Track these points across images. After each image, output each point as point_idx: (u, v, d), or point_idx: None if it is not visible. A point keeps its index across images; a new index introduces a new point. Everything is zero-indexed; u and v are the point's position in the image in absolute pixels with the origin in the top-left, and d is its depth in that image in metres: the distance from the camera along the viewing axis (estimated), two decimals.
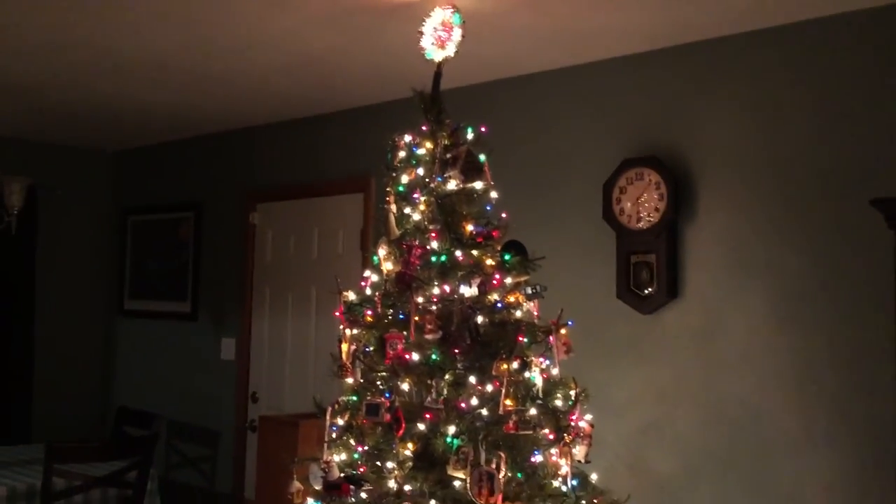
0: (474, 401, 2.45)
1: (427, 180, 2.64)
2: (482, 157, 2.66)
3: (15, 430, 5.45)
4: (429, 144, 2.67)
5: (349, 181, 4.51)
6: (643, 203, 3.30)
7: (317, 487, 2.72)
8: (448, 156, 2.63)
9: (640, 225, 3.31)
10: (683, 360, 3.24)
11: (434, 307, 2.54)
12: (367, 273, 2.77)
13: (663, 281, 3.25)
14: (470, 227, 2.65)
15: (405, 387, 2.48)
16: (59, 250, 5.79)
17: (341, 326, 2.70)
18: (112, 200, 6.05)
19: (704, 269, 3.21)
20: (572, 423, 2.52)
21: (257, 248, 5.04)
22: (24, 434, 5.50)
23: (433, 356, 2.48)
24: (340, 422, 2.61)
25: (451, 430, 2.40)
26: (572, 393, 2.63)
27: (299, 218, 4.82)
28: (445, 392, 2.42)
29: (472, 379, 2.46)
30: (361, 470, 2.56)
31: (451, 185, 2.64)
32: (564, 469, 2.50)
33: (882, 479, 2.72)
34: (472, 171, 2.65)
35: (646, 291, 3.30)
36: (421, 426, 2.42)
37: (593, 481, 2.61)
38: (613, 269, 3.39)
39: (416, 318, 2.51)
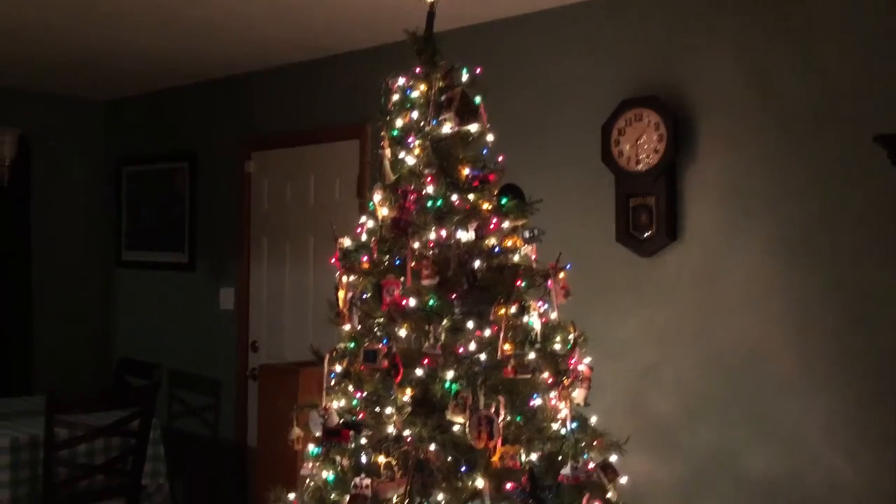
0: (472, 346, 2.43)
1: (422, 124, 2.59)
2: (477, 100, 2.60)
3: (15, 383, 5.48)
4: (423, 87, 2.61)
5: (345, 128, 4.45)
6: (642, 145, 3.26)
7: (317, 434, 2.73)
8: (442, 98, 2.57)
9: (639, 167, 3.27)
10: (683, 302, 3.22)
11: (431, 252, 2.51)
12: (362, 219, 2.74)
13: (662, 223, 3.22)
14: (466, 171, 2.60)
15: (403, 333, 2.46)
16: (53, 202, 5.75)
17: (337, 273, 2.68)
18: (106, 150, 5.99)
19: (704, 212, 3.17)
20: (571, 367, 2.51)
21: (254, 197, 5.00)
22: (25, 386, 5.53)
23: (431, 302, 2.46)
24: (339, 368, 2.60)
25: (450, 375, 2.39)
26: (571, 337, 2.62)
27: (295, 166, 4.77)
28: (443, 337, 2.41)
29: (470, 324, 2.44)
30: (360, 416, 2.57)
31: (446, 128, 2.59)
32: (563, 412, 2.50)
33: (881, 417, 2.73)
34: (467, 113, 2.59)
35: (645, 234, 3.27)
36: (419, 372, 2.42)
37: (592, 424, 2.61)
38: (612, 213, 3.36)
39: (413, 264, 2.48)
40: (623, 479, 2.52)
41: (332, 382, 2.68)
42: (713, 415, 3.15)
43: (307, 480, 2.71)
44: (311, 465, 2.74)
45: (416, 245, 2.53)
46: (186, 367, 5.35)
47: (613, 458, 2.54)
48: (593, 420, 2.61)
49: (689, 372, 3.22)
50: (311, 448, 2.74)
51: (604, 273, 3.37)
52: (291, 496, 2.72)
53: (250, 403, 4.96)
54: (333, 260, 2.67)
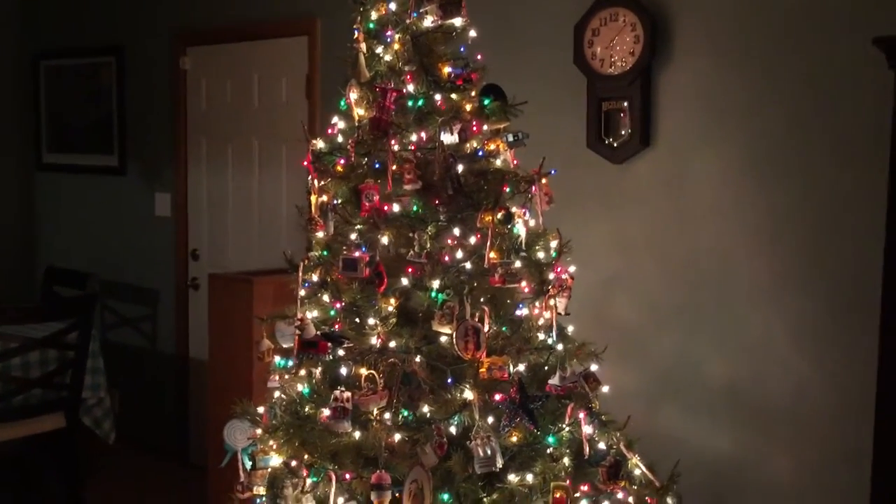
0: (459, 254, 2.33)
1: (403, 16, 2.41)
2: None
3: None
4: None
5: (292, 22, 4.17)
6: (616, 47, 3.13)
7: (284, 346, 2.61)
8: None
9: (613, 70, 3.15)
10: (654, 210, 3.18)
11: (412, 156, 2.37)
12: (334, 120, 2.57)
13: (637, 129, 3.13)
14: (447, 69, 2.45)
15: (385, 240, 2.33)
16: None
17: (309, 177, 2.51)
18: (20, 43, 5.50)
19: (679, 118, 3.10)
20: (556, 276, 2.44)
21: (190, 97, 4.70)
22: None
23: (415, 208, 2.33)
24: (315, 278, 2.47)
25: (436, 284, 2.29)
26: (553, 244, 2.54)
27: (236, 63, 4.48)
28: (428, 245, 2.29)
29: (457, 231, 2.33)
30: (336, 327, 2.45)
31: (428, 21, 2.42)
32: (547, 322, 2.44)
33: (850, 327, 2.76)
34: (450, 5, 2.42)
35: (617, 140, 3.19)
36: (404, 281, 2.30)
37: (570, 333, 2.57)
38: (584, 117, 3.25)
39: (394, 168, 2.34)
40: (605, 388, 2.50)
41: (303, 293, 2.55)
42: (680, 323, 3.15)
43: (275, 393, 2.61)
44: (277, 377, 2.63)
45: (396, 148, 2.38)
46: (119, 277, 5.10)
47: (594, 368, 2.51)
48: (570, 329, 2.57)
49: (656, 280, 3.20)
50: (278, 360, 2.63)
51: (573, 180, 3.28)
52: (260, 409, 2.61)
53: (191, 314, 4.78)
54: (305, 163, 2.50)
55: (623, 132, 3.17)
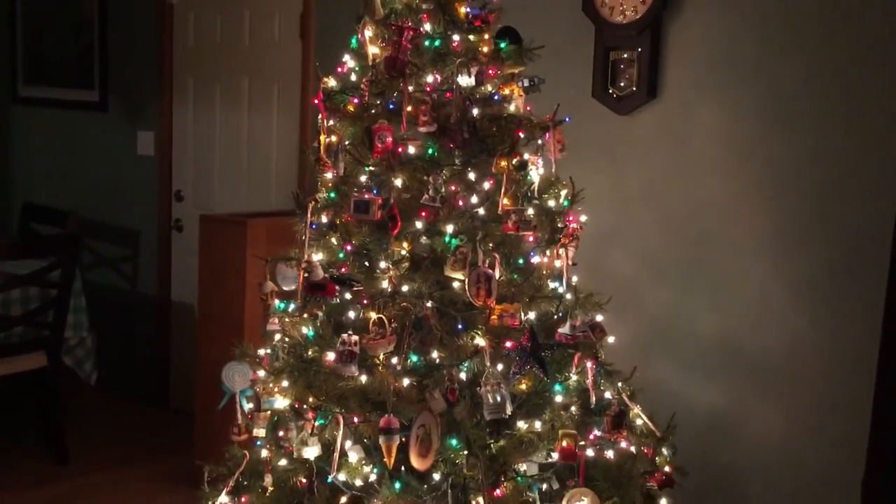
0: (474, 199, 2.29)
1: None
2: None
3: None
4: None
5: None
6: None
7: (286, 288, 2.57)
8: None
9: (623, 19, 3.10)
10: (657, 163, 3.16)
11: (428, 97, 2.31)
12: (344, 58, 2.49)
13: (644, 80, 3.09)
14: (464, 9, 2.39)
15: (399, 183, 2.29)
16: None
17: (319, 116, 2.44)
18: None
19: (687, 70, 3.06)
20: (568, 224, 2.42)
21: (176, 32, 4.56)
22: None
23: (430, 150, 2.28)
24: (325, 219, 2.41)
25: (450, 228, 2.26)
26: (562, 193, 2.52)
27: None
28: (444, 189, 2.25)
29: (472, 175, 2.29)
30: (342, 270, 2.41)
31: None
32: (559, 270, 2.42)
33: (849, 285, 2.78)
34: None
35: (623, 91, 3.15)
36: (418, 225, 2.26)
37: (574, 283, 2.55)
38: (590, 67, 3.21)
39: (410, 109, 2.29)
40: (611, 339, 2.50)
41: (307, 235, 2.50)
42: (677, 276, 3.16)
43: (276, 336, 2.57)
44: (277, 320, 2.59)
45: (411, 88, 2.32)
46: (99, 217, 4.99)
47: (599, 318, 2.51)
48: (575, 280, 2.56)
49: (655, 233, 3.19)
50: (277, 303, 2.59)
51: (576, 130, 3.22)
52: (262, 351, 2.57)
53: (174, 255, 4.70)
54: (316, 101, 2.43)
55: (629, 83, 3.13)
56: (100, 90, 4.92)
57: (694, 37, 3.04)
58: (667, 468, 2.46)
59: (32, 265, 3.80)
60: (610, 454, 2.35)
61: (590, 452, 2.31)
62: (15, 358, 3.84)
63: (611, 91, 3.18)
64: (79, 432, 4.18)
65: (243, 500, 2.50)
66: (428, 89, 2.32)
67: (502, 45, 2.43)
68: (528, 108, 2.53)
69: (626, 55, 3.13)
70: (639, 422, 2.51)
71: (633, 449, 2.42)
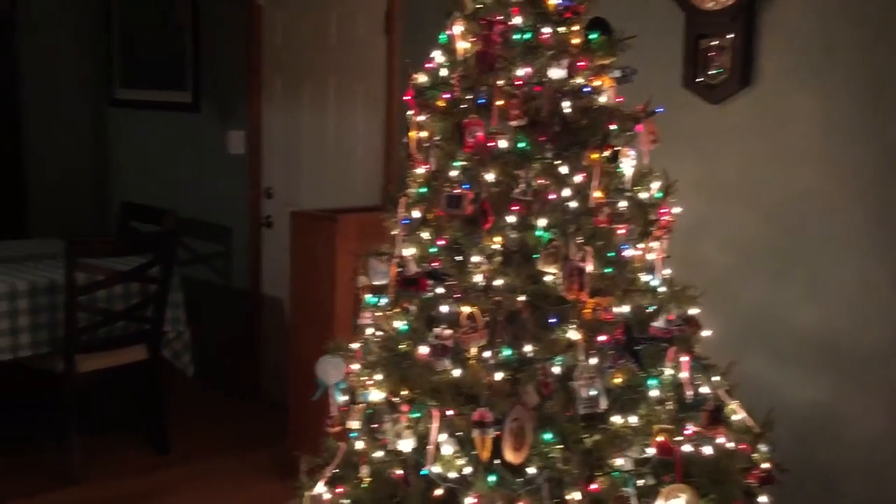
0: (566, 192, 2.28)
1: None
2: None
3: (9, 226, 5.24)
4: None
5: None
6: None
7: (377, 283, 2.61)
8: None
9: (714, 5, 3.03)
10: (750, 152, 3.08)
11: (518, 91, 2.31)
12: (433, 54, 2.51)
13: (736, 68, 3.01)
14: (554, 1, 2.37)
15: (490, 177, 2.29)
16: (39, 36, 5.32)
17: (410, 112, 2.47)
18: None
19: (783, 56, 2.97)
20: (661, 216, 2.39)
21: (265, 33, 4.66)
22: (20, 230, 5.30)
23: (521, 144, 2.28)
24: (417, 214, 2.44)
25: (542, 222, 2.25)
26: (654, 185, 2.48)
27: None
28: (535, 183, 2.25)
29: (564, 168, 2.28)
30: (434, 264, 2.43)
31: None
32: (652, 263, 2.39)
33: None
34: None
35: (715, 79, 3.08)
36: (510, 219, 2.27)
37: (667, 276, 2.52)
38: (679, 56, 3.15)
39: (500, 103, 2.29)
40: (706, 333, 2.46)
41: (396, 231, 2.53)
42: (772, 268, 3.07)
43: (368, 330, 2.61)
44: (369, 314, 2.63)
45: (501, 82, 2.32)
46: (192, 213, 5.15)
47: (694, 311, 2.46)
48: (667, 272, 2.52)
49: (749, 224, 3.11)
50: (369, 297, 2.63)
51: (666, 120, 3.17)
52: (354, 345, 2.62)
53: (265, 251, 4.82)
54: (407, 97, 2.46)
55: (721, 71, 3.06)
56: (192, 91, 5.07)
57: (790, 21, 2.95)
58: (766, 465, 2.41)
59: (133, 262, 3.95)
60: (707, 450, 2.30)
61: (687, 448, 2.28)
62: (118, 351, 4.00)
63: (701, 80, 3.11)
64: (177, 423, 4.34)
65: (339, 490, 2.55)
66: (518, 83, 2.31)
67: (593, 36, 2.41)
68: (619, 100, 2.50)
69: (717, 42, 3.06)
70: (736, 417, 2.46)
71: (730, 445, 2.37)
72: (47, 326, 3.79)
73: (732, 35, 3.01)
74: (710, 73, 3.09)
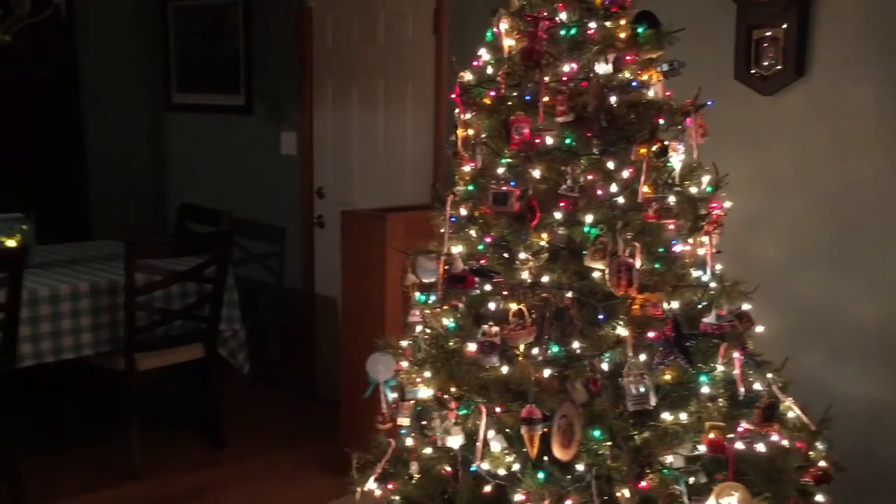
0: (613, 187, 2.27)
1: None
2: None
3: (74, 228, 5.39)
4: None
5: None
6: None
7: (425, 280, 2.62)
8: None
9: None
10: (804, 144, 3.02)
11: (565, 87, 2.30)
12: (480, 51, 2.51)
13: (790, 58, 2.96)
14: None
15: (537, 174, 2.29)
16: (97, 43, 5.46)
17: (456, 111, 2.48)
18: None
19: (837, 45, 2.91)
20: (712, 211, 2.36)
21: (316, 35, 4.71)
22: (84, 232, 5.44)
23: (567, 140, 2.27)
24: (464, 212, 2.45)
25: (590, 218, 2.24)
26: (704, 179, 2.45)
27: (362, 0, 4.45)
28: (582, 179, 2.24)
29: (611, 164, 2.27)
30: (482, 262, 2.44)
31: None
32: (703, 258, 2.36)
33: None
34: None
35: (768, 71, 3.02)
36: (557, 215, 2.26)
37: (718, 271, 2.48)
38: (731, 47, 3.10)
39: (546, 99, 2.28)
40: (759, 329, 2.42)
41: (444, 229, 2.54)
42: (828, 263, 3.01)
43: (417, 327, 2.63)
44: (418, 312, 2.65)
45: (546, 78, 2.32)
46: (246, 214, 5.23)
47: (746, 307, 2.42)
48: (719, 267, 2.48)
49: (805, 217, 3.05)
50: (418, 295, 2.64)
51: (717, 113, 3.12)
52: (404, 343, 2.64)
53: (317, 250, 4.88)
54: (454, 96, 2.47)
55: (775, 62, 3.00)
56: (245, 94, 5.15)
57: (844, 10, 2.89)
58: (822, 463, 2.36)
59: (190, 262, 4.03)
60: (761, 448, 2.26)
61: (739, 445, 2.24)
62: (175, 349, 4.09)
63: (754, 71, 3.06)
64: (233, 420, 4.42)
65: (390, 486, 2.57)
66: (564, 78, 2.30)
67: (640, 30, 2.38)
68: (668, 94, 2.47)
69: (770, 33, 3.01)
70: (791, 414, 2.41)
71: (785, 443, 2.33)
72: (108, 326, 3.89)
73: (786, 25, 2.96)
74: (763, 64, 3.04)
